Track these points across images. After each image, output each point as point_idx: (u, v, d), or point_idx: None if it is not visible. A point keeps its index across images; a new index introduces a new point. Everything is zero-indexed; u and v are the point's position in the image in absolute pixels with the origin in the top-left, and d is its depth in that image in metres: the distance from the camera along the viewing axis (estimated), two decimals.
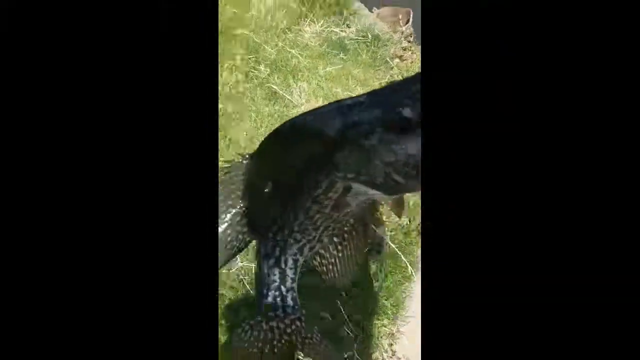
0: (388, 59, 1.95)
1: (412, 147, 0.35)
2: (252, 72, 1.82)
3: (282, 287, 0.46)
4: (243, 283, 1.46)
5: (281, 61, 1.87)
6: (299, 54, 1.91)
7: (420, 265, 1.39)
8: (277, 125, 0.42)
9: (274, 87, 1.80)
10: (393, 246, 1.46)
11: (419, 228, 1.47)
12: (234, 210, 0.44)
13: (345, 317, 1.33)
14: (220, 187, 0.42)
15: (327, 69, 1.88)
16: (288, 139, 0.40)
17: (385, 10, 2.05)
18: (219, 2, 1.92)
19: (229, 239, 0.45)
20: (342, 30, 2.02)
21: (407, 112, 0.34)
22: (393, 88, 0.36)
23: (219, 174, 0.43)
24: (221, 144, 1.60)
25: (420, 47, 1.98)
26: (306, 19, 2.02)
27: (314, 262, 0.46)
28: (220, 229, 0.44)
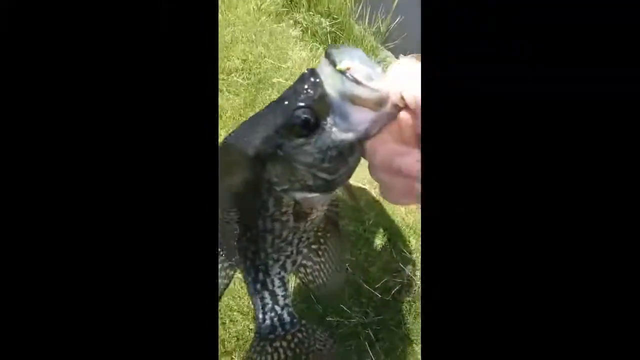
0: None
1: (324, 143, 0.35)
2: None
3: (276, 307, 0.47)
4: None
5: None
6: None
7: None
8: None
9: None
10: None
11: None
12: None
13: (372, 359, 1.29)
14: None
15: None
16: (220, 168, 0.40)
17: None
18: (259, 55, 2.09)
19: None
20: None
21: (303, 113, 0.35)
22: (287, 94, 0.36)
23: None
24: None
25: None
26: None
27: (300, 274, 0.46)
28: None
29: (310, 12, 2.25)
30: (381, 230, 1.59)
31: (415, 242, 1.55)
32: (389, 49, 2.24)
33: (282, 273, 0.46)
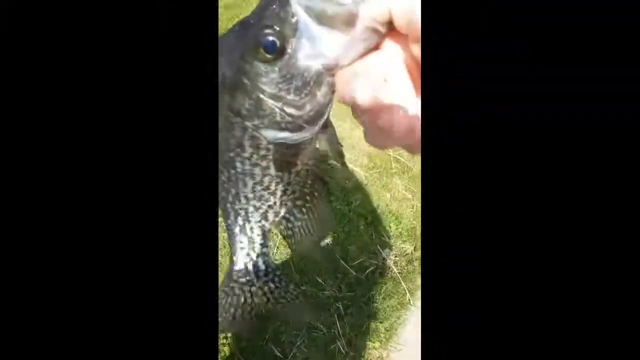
0: None
1: (288, 70, 0.32)
2: None
3: (252, 253, 0.45)
4: None
5: None
6: None
7: (419, 294, 1.42)
8: None
9: None
10: (396, 270, 1.49)
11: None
12: None
13: (339, 331, 1.36)
14: None
15: None
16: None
17: None
18: None
19: None
20: None
21: (269, 34, 0.31)
22: (253, 12, 0.32)
23: None
24: None
25: None
26: None
27: (280, 226, 0.45)
28: None
29: None
30: (365, 212, 1.65)
31: (395, 228, 1.61)
32: None
33: (263, 222, 0.44)
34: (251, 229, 0.44)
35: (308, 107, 0.33)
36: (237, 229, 0.44)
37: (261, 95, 0.33)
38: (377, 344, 1.38)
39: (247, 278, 0.46)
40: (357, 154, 1.87)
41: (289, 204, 0.44)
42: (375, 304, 1.44)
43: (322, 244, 1.56)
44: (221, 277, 0.46)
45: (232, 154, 0.38)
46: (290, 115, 0.33)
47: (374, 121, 0.31)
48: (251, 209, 0.42)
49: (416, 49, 0.28)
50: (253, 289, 0.46)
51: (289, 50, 0.31)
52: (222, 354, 1.38)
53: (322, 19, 0.30)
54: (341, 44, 0.30)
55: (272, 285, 0.47)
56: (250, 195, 0.41)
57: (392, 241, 1.56)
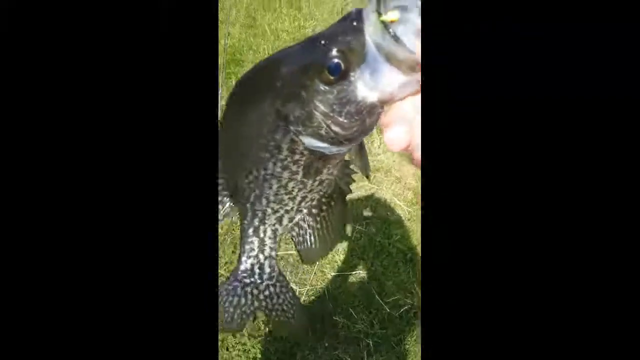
0: None
1: (345, 96, 0.33)
2: None
3: (260, 255, 0.46)
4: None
5: None
6: None
7: None
8: None
9: None
10: None
11: None
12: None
13: None
14: None
15: None
16: (243, 94, 0.39)
17: None
18: None
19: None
20: None
21: (337, 58, 0.32)
22: (326, 33, 0.34)
23: None
24: None
25: None
26: None
27: (292, 232, 0.46)
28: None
29: None
30: (405, 248, 1.62)
31: None
32: None
33: (277, 226, 0.44)
34: (264, 231, 0.45)
35: (354, 130, 0.35)
36: (250, 230, 0.45)
37: (314, 110, 0.35)
38: None
39: (251, 280, 0.47)
40: (402, 188, 1.86)
41: (305, 211, 0.44)
42: (407, 346, 1.39)
43: (356, 277, 1.55)
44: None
45: (267, 155, 0.39)
46: (335, 132, 0.35)
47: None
48: (269, 211, 0.43)
49: None
50: (255, 291, 0.47)
51: (351, 78, 0.33)
52: None
53: (390, 58, 0.31)
54: (400, 82, 0.31)
55: (272, 290, 0.47)
56: (272, 198, 0.42)
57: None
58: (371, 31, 0.31)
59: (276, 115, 0.36)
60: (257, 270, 0.47)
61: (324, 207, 0.44)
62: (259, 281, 0.47)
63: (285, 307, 0.48)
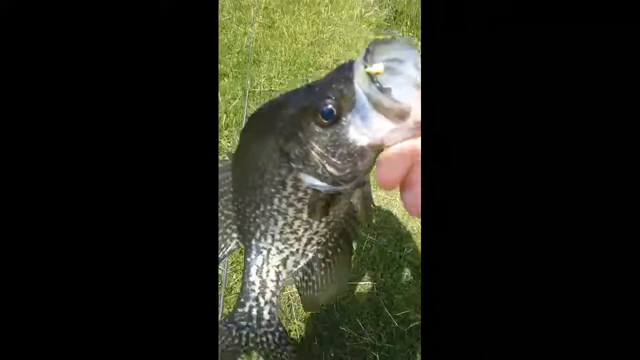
0: None
1: (337, 138, 0.35)
2: None
3: (261, 299, 0.46)
4: (291, 309, 1.51)
5: None
6: None
7: None
8: None
9: None
10: None
11: None
12: (224, 213, 0.46)
13: None
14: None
15: None
16: (251, 131, 0.41)
17: None
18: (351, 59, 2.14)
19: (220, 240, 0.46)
20: None
21: (329, 104, 0.35)
22: (322, 81, 0.36)
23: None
24: None
25: None
26: None
27: (297, 277, 0.46)
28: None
29: (411, 34, 2.27)
30: (416, 261, 1.60)
31: None
32: None
33: (281, 268, 0.45)
34: (267, 272, 0.45)
35: (347, 171, 0.37)
36: (253, 269, 0.45)
37: (311, 150, 0.37)
38: None
39: (248, 324, 0.46)
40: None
41: (311, 255, 0.44)
42: None
43: (365, 288, 1.53)
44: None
45: (273, 190, 0.40)
46: (330, 173, 0.37)
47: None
48: (274, 250, 0.43)
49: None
50: (251, 335, 0.46)
51: (342, 122, 0.35)
52: None
53: (377, 107, 0.33)
54: (389, 129, 0.33)
55: (270, 338, 0.46)
56: (277, 236, 0.42)
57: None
58: (360, 81, 0.34)
59: (280, 152, 0.38)
60: (254, 314, 0.46)
61: (330, 253, 0.44)
62: (256, 327, 0.46)
63: (282, 357, 0.47)
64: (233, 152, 0.43)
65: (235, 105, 2.39)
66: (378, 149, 0.34)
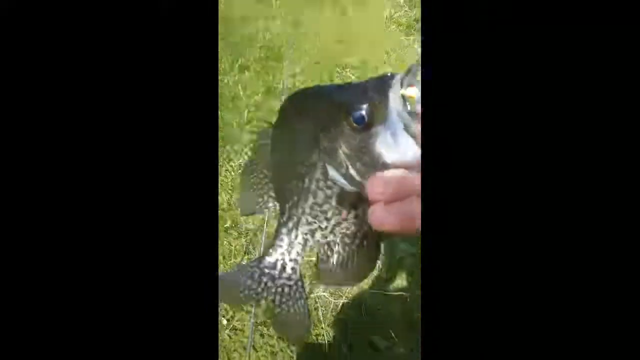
0: None
1: (364, 145, 0.36)
2: None
3: (286, 255, 0.47)
4: (318, 312, 1.45)
5: None
6: None
7: None
8: None
9: None
10: None
11: None
12: (264, 172, 0.48)
13: None
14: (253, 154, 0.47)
15: None
16: (293, 108, 0.42)
17: None
18: (379, 60, 2.11)
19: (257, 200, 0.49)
20: None
21: (362, 109, 0.35)
22: (362, 85, 0.37)
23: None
24: None
25: None
26: None
27: (321, 249, 0.46)
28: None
29: None
30: None
31: None
32: None
33: (308, 236, 0.45)
34: (296, 236, 0.46)
35: (367, 177, 0.36)
36: (284, 229, 0.47)
37: (338, 148, 0.38)
38: None
39: (271, 272, 0.48)
40: None
41: (339, 235, 0.45)
42: None
43: (398, 298, 1.48)
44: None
45: (304, 170, 0.41)
46: (351, 176, 0.37)
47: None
48: (304, 220, 0.45)
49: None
50: (270, 284, 0.48)
51: (372, 131, 0.36)
52: None
53: (407, 128, 0.34)
54: (413, 151, 0.34)
55: (286, 290, 0.48)
56: (308, 210, 0.44)
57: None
58: (394, 97, 0.35)
59: (314, 138, 0.39)
60: (279, 267, 0.48)
61: (358, 242, 0.45)
62: (277, 276, 0.48)
63: (292, 310, 0.48)
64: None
65: (256, 100, 2.34)
66: (398, 166, 0.35)
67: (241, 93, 2.36)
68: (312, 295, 1.50)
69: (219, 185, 1.89)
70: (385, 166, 0.35)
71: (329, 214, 0.43)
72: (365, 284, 1.52)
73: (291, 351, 1.36)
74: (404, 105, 0.34)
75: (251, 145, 2.09)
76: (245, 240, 1.66)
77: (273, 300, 0.48)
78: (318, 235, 0.45)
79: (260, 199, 0.49)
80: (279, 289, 0.48)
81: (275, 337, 1.39)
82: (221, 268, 1.58)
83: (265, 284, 0.48)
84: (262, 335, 1.40)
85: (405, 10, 2.37)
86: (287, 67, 2.46)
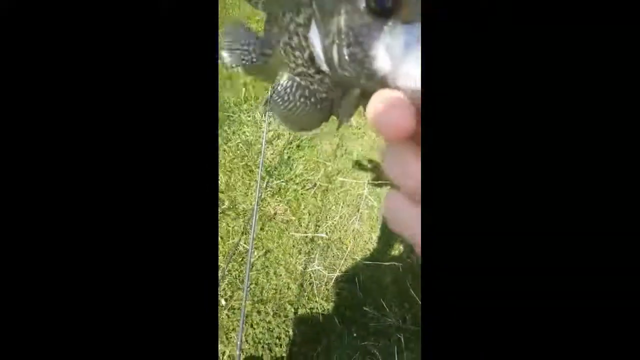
0: None
1: (364, 36, 0.30)
2: None
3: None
4: (313, 287, 1.48)
5: None
6: None
7: None
8: None
9: None
10: None
11: None
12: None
13: None
14: None
15: None
16: None
17: None
18: None
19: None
20: None
21: (389, 3, 0.29)
22: None
23: None
24: None
25: None
26: None
27: (280, 81, 0.41)
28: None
29: None
30: None
31: None
32: None
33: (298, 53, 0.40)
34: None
35: (345, 74, 0.32)
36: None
37: (336, 15, 0.31)
38: None
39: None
40: None
41: (303, 83, 0.40)
42: None
43: (390, 269, 1.47)
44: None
45: (289, 14, 0.36)
46: (329, 58, 0.32)
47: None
48: (279, 45, 0.40)
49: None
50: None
51: (384, 25, 0.29)
52: (273, 354, 1.36)
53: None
54: (416, 88, 0.29)
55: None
56: (281, 45, 0.39)
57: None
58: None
59: None
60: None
61: (313, 100, 0.40)
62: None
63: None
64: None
65: (253, 79, 2.32)
66: (385, 81, 0.29)
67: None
68: (307, 270, 1.53)
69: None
70: (372, 75, 0.30)
71: (299, 61, 0.38)
72: (360, 256, 1.53)
73: (286, 326, 1.41)
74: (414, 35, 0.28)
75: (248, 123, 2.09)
76: (243, 221, 1.70)
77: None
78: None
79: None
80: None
81: (272, 314, 1.43)
82: (220, 249, 1.63)
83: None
84: (259, 312, 1.45)
85: None
86: None
